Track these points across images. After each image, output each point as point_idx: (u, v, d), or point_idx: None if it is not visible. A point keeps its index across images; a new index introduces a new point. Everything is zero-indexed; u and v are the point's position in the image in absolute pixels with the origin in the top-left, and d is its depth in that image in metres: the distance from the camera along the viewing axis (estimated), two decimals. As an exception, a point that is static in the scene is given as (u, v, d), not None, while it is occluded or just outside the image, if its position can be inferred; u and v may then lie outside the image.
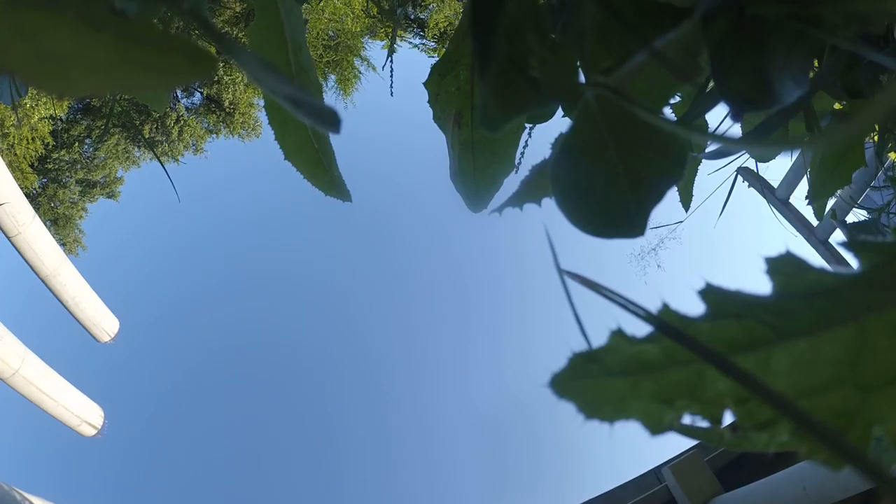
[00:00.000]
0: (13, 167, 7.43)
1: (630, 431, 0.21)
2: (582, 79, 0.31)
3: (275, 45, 0.47)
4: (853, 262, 0.20)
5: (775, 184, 2.93)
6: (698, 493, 2.34)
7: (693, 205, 0.73)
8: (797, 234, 2.90)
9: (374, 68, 8.32)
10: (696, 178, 0.70)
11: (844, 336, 0.21)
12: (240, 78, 8.49)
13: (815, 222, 2.84)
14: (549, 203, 0.40)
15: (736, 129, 0.41)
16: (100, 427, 4.62)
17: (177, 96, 9.20)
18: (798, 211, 2.94)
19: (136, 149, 9.30)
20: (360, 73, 8.46)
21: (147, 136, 9.05)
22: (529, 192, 0.45)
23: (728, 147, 0.46)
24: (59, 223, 9.20)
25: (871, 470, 0.15)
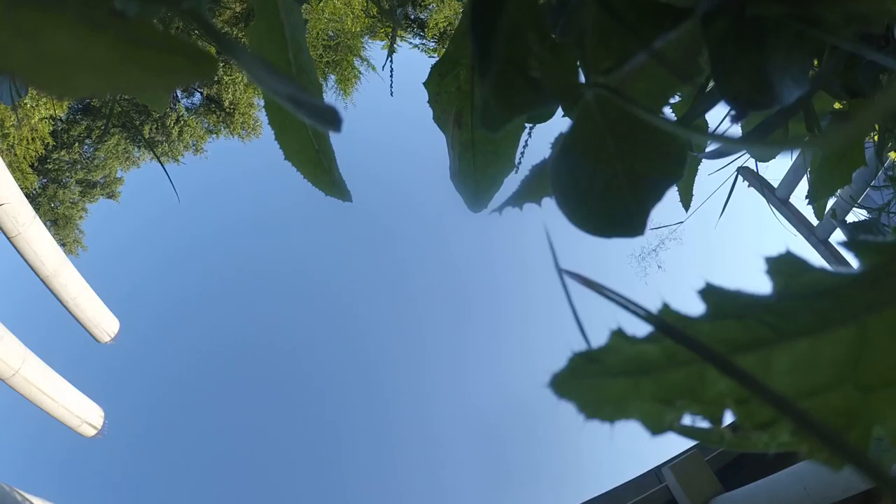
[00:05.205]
0: (13, 167, 7.43)
1: (630, 431, 0.21)
2: (582, 79, 0.31)
3: (275, 46, 0.47)
4: (853, 262, 0.20)
5: (775, 184, 2.93)
6: (698, 493, 2.34)
7: (693, 205, 0.73)
8: (797, 233, 2.90)
9: (374, 68, 8.33)
10: (696, 178, 0.70)
11: (844, 336, 0.21)
12: (240, 78, 8.49)
13: (815, 222, 2.84)
14: (549, 203, 0.40)
15: (736, 129, 0.41)
16: (100, 427, 4.62)
17: (177, 96, 9.20)
18: (798, 211, 2.94)
19: (136, 149, 9.30)
20: (360, 73, 8.47)
21: (147, 137, 9.04)
22: (529, 192, 0.45)
23: (728, 147, 0.46)
24: (59, 223, 9.20)
25: (871, 470, 0.15)
